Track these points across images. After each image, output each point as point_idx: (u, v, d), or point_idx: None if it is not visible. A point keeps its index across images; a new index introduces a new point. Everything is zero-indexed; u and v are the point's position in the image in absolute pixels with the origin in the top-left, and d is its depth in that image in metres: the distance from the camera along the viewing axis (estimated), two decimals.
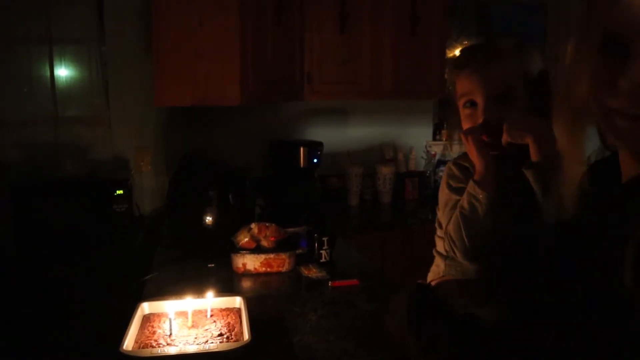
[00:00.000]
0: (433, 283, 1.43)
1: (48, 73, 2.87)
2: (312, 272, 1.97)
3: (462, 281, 1.40)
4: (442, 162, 3.42)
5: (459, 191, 1.37)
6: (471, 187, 1.31)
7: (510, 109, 1.30)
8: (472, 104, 1.34)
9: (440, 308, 1.11)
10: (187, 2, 2.35)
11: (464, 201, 1.31)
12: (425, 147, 3.60)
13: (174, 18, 2.36)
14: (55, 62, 2.87)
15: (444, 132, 3.65)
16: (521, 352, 0.92)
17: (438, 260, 1.50)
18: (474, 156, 1.32)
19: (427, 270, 1.59)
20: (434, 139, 3.67)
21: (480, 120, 1.32)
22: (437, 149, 3.55)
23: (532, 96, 1.30)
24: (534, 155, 1.20)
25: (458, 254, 1.34)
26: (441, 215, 1.46)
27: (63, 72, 2.90)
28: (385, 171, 3.32)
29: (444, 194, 1.46)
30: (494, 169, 1.29)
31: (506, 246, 1.30)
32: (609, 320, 0.71)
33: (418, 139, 3.62)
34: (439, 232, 1.49)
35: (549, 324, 0.91)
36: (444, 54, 3.24)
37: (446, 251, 1.42)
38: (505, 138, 1.25)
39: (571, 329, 0.82)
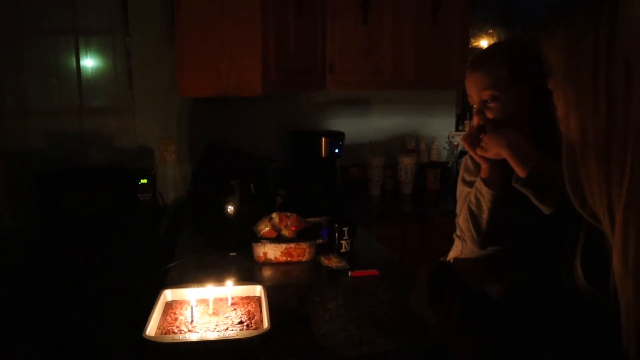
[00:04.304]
0: (452, 260, 1.55)
1: (74, 64, 2.92)
2: (333, 262, 1.98)
3: (476, 260, 1.48)
4: (464, 153, 3.38)
5: (472, 184, 1.44)
6: (478, 183, 1.40)
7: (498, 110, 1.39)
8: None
9: (456, 283, 1.18)
10: None
11: (472, 195, 1.39)
12: (448, 137, 3.58)
13: (196, 8, 2.38)
14: (80, 53, 2.92)
15: (466, 122, 3.62)
16: (521, 325, 1.01)
17: (457, 242, 1.59)
18: (476, 158, 1.38)
19: None
20: (457, 130, 3.63)
21: (475, 122, 1.42)
22: (459, 139, 3.52)
23: (518, 93, 1.37)
24: (517, 170, 1.28)
25: (468, 243, 1.44)
26: (457, 204, 1.54)
27: (88, 62, 2.95)
28: (407, 161, 3.31)
29: (459, 185, 1.55)
30: (498, 167, 1.34)
31: (513, 232, 1.37)
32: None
33: (440, 129, 3.59)
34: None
35: (545, 301, 1.01)
36: (467, 43, 3.20)
37: None
38: (483, 155, 1.35)
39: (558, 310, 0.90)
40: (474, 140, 1.38)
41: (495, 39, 3.90)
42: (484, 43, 3.88)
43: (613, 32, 0.67)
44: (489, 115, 1.39)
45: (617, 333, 0.70)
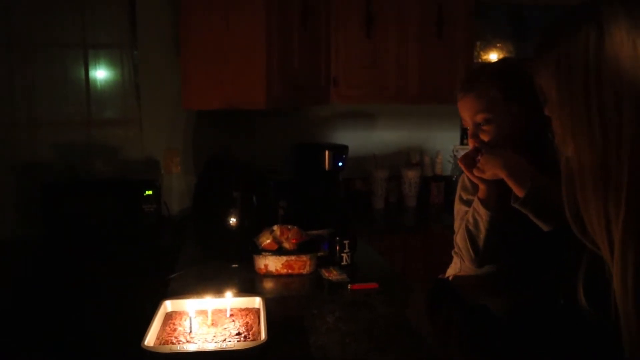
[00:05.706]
0: (450, 278, 1.54)
1: (83, 76, 2.97)
2: (333, 275, 1.99)
3: (475, 277, 1.47)
4: None
5: (469, 203, 1.42)
6: (476, 203, 1.39)
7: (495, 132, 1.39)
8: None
9: (455, 298, 1.19)
10: (214, 6, 2.40)
11: (470, 215, 1.38)
12: (452, 151, 3.59)
13: (201, 22, 2.41)
14: (90, 66, 2.98)
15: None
16: (522, 340, 1.02)
17: (455, 259, 1.57)
18: (473, 179, 1.38)
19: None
20: (461, 144, 3.64)
21: (471, 145, 1.41)
22: (464, 153, 3.52)
23: (511, 113, 1.37)
24: (515, 190, 1.27)
25: (466, 262, 1.41)
26: (455, 222, 1.52)
27: (97, 75, 3.00)
28: (411, 175, 3.32)
29: (456, 204, 1.53)
30: (495, 188, 1.34)
31: (512, 250, 1.37)
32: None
33: (445, 143, 3.60)
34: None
35: (545, 318, 1.01)
36: (471, 57, 3.22)
37: None
38: (480, 175, 1.35)
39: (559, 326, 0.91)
40: (470, 161, 1.38)
41: (504, 52, 3.91)
42: (493, 56, 3.89)
43: (601, 61, 0.68)
44: (484, 138, 1.39)
45: (618, 353, 0.70)
